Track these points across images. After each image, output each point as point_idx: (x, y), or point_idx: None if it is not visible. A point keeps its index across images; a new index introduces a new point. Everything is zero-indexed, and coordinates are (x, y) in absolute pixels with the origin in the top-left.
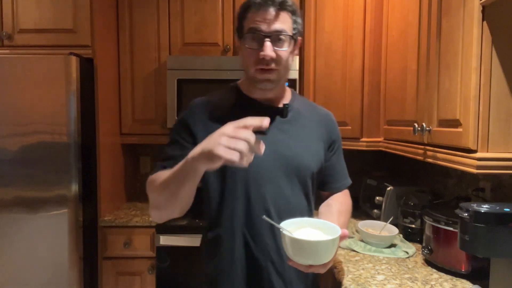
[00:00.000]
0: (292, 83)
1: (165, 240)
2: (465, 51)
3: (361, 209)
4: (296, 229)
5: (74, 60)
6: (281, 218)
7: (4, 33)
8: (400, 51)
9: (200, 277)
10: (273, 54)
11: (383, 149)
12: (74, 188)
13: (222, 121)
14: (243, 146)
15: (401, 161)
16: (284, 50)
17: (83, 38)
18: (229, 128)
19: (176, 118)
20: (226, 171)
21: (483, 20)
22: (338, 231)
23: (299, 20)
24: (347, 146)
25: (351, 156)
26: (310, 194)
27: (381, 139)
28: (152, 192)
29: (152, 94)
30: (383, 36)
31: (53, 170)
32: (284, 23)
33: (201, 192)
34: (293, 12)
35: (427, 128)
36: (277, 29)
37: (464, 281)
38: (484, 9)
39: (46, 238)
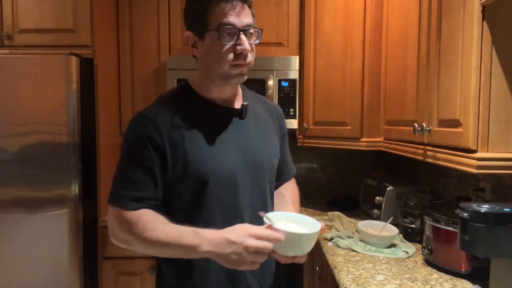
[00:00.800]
0: (292, 83)
1: None
2: (465, 51)
3: (361, 209)
4: (274, 222)
5: (74, 60)
6: (252, 222)
7: (4, 33)
8: (400, 51)
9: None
10: (250, 48)
11: (383, 149)
12: (74, 188)
13: (185, 128)
14: (262, 258)
15: (401, 161)
16: (255, 43)
17: (83, 38)
18: (251, 241)
19: (130, 132)
20: (201, 189)
21: (483, 20)
22: (317, 224)
23: (254, 13)
24: (347, 146)
25: (351, 156)
26: (273, 190)
27: (381, 139)
28: (130, 237)
29: (152, 94)
30: (383, 36)
31: (53, 170)
32: (249, 16)
33: (169, 204)
34: (250, 6)
35: (427, 128)
36: (247, 23)
37: (464, 281)
38: (484, 9)
39: (46, 238)
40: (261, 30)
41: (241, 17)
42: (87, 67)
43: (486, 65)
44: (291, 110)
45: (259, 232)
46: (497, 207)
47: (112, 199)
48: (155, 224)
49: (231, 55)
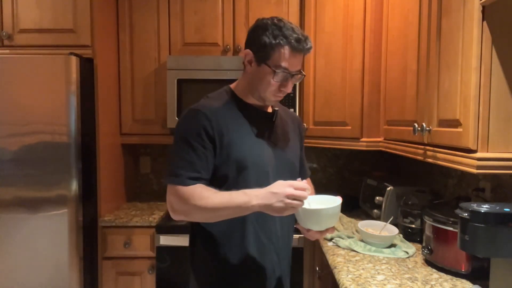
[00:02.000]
0: None
1: (165, 240)
2: (465, 51)
3: (361, 209)
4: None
5: (74, 60)
6: None
7: (4, 33)
8: (400, 51)
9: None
10: (291, 90)
11: (383, 149)
12: (74, 188)
13: (229, 123)
14: (299, 205)
15: (401, 161)
16: (296, 83)
17: (83, 38)
18: (290, 190)
19: (186, 123)
20: (241, 172)
21: (483, 20)
22: (337, 199)
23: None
24: (347, 146)
25: (351, 156)
26: None
27: (381, 139)
28: (189, 207)
29: (152, 94)
30: (383, 36)
31: (53, 170)
32: (301, 63)
33: (216, 187)
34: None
35: (427, 128)
36: (297, 69)
37: (464, 281)
38: (484, 9)
39: (46, 238)
40: (304, 75)
41: (296, 65)
42: (87, 67)
43: (486, 65)
44: (291, 110)
45: (296, 183)
46: (497, 207)
47: (170, 178)
48: (208, 193)
49: (275, 89)
